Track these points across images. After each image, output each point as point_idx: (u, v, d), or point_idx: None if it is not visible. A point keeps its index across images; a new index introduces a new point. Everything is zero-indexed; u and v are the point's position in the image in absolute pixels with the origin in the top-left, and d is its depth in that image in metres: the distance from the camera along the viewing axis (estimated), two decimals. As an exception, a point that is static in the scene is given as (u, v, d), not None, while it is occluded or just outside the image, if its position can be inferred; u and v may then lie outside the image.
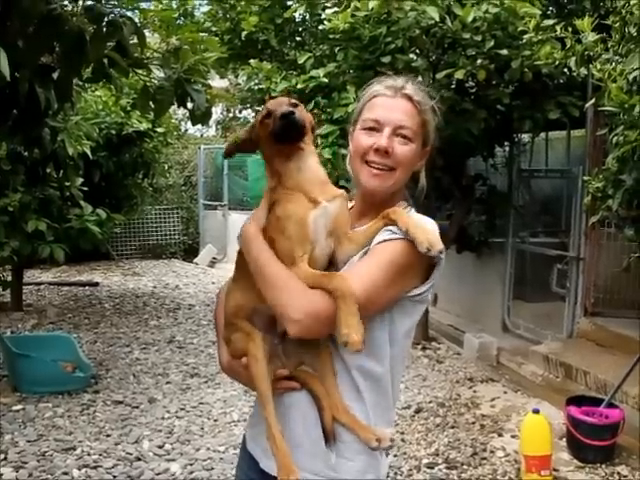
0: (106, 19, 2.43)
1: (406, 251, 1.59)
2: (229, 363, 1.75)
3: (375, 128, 1.69)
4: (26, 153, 5.21)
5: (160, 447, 4.55)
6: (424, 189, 1.84)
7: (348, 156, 1.79)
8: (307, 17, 6.77)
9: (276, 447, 1.58)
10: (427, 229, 1.58)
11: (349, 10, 5.30)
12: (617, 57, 3.89)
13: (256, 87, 6.38)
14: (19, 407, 5.13)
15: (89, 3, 2.45)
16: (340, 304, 1.48)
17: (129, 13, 2.66)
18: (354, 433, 1.61)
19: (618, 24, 3.83)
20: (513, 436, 4.75)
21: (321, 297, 1.52)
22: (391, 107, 1.71)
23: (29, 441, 4.56)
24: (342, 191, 1.69)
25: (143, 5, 2.87)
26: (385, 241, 1.60)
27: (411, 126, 1.70)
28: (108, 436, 4.69)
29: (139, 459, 4.37)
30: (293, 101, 1.70)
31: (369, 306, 1.55)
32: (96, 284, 10.28)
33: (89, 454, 4.41)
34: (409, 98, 1.72)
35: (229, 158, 1.94)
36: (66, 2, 2.54)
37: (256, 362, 1.62)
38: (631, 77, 3.55)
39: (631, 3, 3.39)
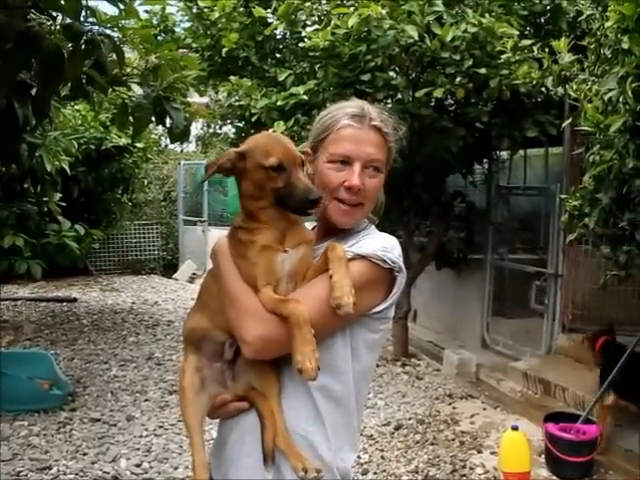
0: (84, 37, 2.43)
1: (363, 271, 1.58)
2: None
3: (344, 162, 1.66)
4: (4, 169, 5.17)
5: (138, 466, 4.51)
6: (383, 203, 1.83)
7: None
8: (287, 35, 6.80)
9: (195, 473, 1.58)
10: (348, 286, 1.49)
11: (329, 28, 5.33)
12: (593, 78, 3.95)
13: (236, 103, 6.38)
14: (-7, 426, 5.06)
15: (67, 21, 2.44)
16: (295, 331, 1.46)
17: (108, 31, 2.65)
18: (286, 458, 1.58)
19: (594, 45, 3.89)
20: (492, 453, 4.75)
21: (275, 322, 1.51)
22: (360, 140, 1.66)
23: (3, 460, 4.49)
24: (310, 236, 1.66)
25: (122, 22, 2.87)
26: None
27: (381, 158, 1.68)
28: (85, 455, 4.64)
29: (116, 478, 4.33)
30: (303, 158, 1.63)
31: (325, 328, 1.54)
32: (74, 300, 10.19)
33: (65, 474, 4.36)
34: (377, 129, 1.68)
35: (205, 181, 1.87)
36: (44, 20, 2.54)
37: (183, 394, 1.64)
38: (606, 97, 3.59)
39: (606, 26, 3.44)
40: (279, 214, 1.61)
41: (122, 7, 2.69)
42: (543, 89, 4.97)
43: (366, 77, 5.43)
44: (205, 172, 1.73)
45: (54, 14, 2.49)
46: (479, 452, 4.81)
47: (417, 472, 4.50)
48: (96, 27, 2.57)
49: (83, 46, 2.44)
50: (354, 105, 1.73)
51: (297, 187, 1.55)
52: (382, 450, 4.82)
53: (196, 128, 13.25)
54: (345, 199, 1.66)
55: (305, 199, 1.55)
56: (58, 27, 2.48)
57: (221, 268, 1.64)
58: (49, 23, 2.53)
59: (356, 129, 1.67)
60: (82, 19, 2.52)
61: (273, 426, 1.59)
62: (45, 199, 6.11)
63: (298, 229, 1.64)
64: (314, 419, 1.62)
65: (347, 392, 1.65)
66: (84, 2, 2.40)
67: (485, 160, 7.30)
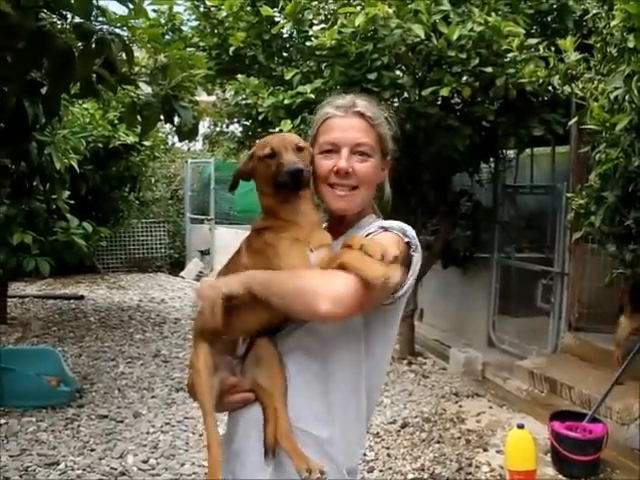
0: (95, 36, 2.45)
1: (391, 240, 1.60)
2: (189, 383, 1.76)
3: (333, 150, 1.71)
4: (13, 166, 5.20)
5: (145, 462, 4.53)
6: (390, 199, 1.85)
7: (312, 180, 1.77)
8: (294, 33, 6.80)
9: (210, 455, 1.59)
10: (370, 262, 1.47)
11: (336, 27, 5.34)
12: (599, 76, 3.95)
13: (243, 102, 6.40)
14: (2, 421, 5.10)
15: (78, 20, 2.47)
16: (357, 265, 1.46)
17: (117, 30, 2.68)
18: (290, 458, 1.57)
19: (600, 44, 3.90)
20: (498, 451, 4.76)
21: (339, 277, 1.48)
22: (345, 127, 1.72)
23: (12, 456, 4.53)
24: (329, 239, 1.68)
25: (131, 22, 2.89)
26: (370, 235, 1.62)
27: (368, 142, 1.72)
28: (92, 451, 4.67)
29: (123, 474, 4.35)
30: (301, 144, 1.69)
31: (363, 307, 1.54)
32: (81, 297, 10.23)
33: (73, 469, 4.39)
34: (361, 115, 1.73)
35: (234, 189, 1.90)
36: (55, 19, 2.56)
37: (197, 374, 1.65)
38: (612, 96, 3.60)
39: (612, 24, 3.45)
40: (300, 211, 1.66)
41: (131, 6, 2.72)
42: (550, 88, 4.97)
43: (372, 76, 5.44)
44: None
45: (65, 13, 2.52)
46: (485, 450, 4.81)
47: (423, 470, 4.51)
48: (106, 26, 2.59)
49: (93, 45, 2.46)
50: (341, 97, 1.80)
51: (282, 164, 1.62)
52: (388, 448, 4.83)
53: (203, 127, 13.28)
54: (336, 183, 1.70)
55: (285, 172, 1.61)
56: (69, 26, 2.51)
57: (261, 287, 1.55)
58: (60, 22, 2.56)
59: (340, 117, 1.74)
60: (92, 18, 2.55)
61: (275, 420, 1.60)
62: (53, 197, 6.13)
63: (320, 231, 1.68)
64: (323, 415, 1.63)
65: (358, 388, 1.66)
66: (94, 2, 2.43)
67: (492, 159, 7.30)
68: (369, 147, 1.72)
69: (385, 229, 1.64)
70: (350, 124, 1.72)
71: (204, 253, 13.27)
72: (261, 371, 1.65)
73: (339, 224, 1.77)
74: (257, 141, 1.77)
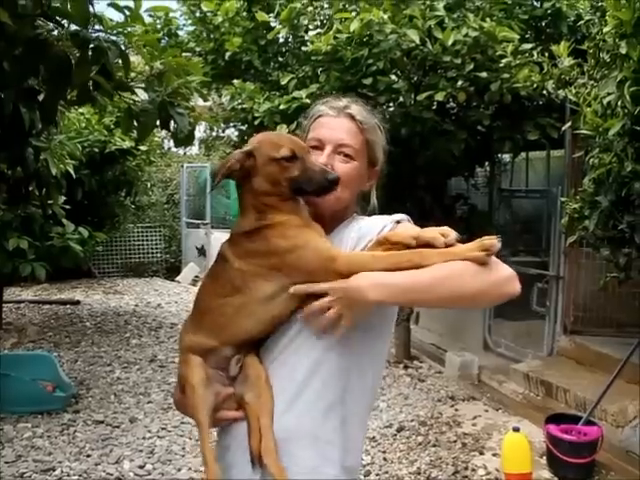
0: (91, 44, 2.47)
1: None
2: (177, 398, 1.74)
3: (317, 147, 1.71)
4: (9, 172, 5.21)
5: (141, 467, 4.53)
6: (375, 209, 1.84)
7: None
8: (290, 39, 6.84)
9: (208, 471, 1.56)
10: (456, 249, 1.56)
11: (331, 32, 5.37)
12: (592, 81, 3.98)
13: (239, 107, 6.42)
14: (-2, 427, 5.09)
15: (74, 28, 2.49)
16: (451, 257, 1.54)
17: (113, 37, 2.69)
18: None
19: (593, 50, 3.93)
20: (494, 454, 4.77)
21: (470, 265, 1.57)
22: (333, 126, 1.72)
23: (7, 462, 4.51)
24: (323, 233, 1.66)
25: (128, 29, 2.91)
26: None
27: (353, 144, 1.71)
28: (88, 456, 4.66)
29: (120, 479, 4.35)
30: (308, 148, 1.68)
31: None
32: (77, 302, 10.21)
33: (69, 475, 4.38)
34: (352, 117, 1.73)
35: (217, 186, 1.87)
36: (52, 27, 2.58)
37: (192, 390, 1.61)
38: (605, 101, 3.63)
39: (604, 31, 3.49)
40: (299, 206, 1.65)
41: (128, 13, 2.73)
42: (544, 92, 5.00)
43: (368, 81, 5.47)
44: (213, 178, 1.76)
45: (62, 21, 2.53)
46: (481, 454, 4.83)
47: (419, 474, 4.52)
48: (102, 34, 2.61)
49: (90, 53, 2.48)
50: (336, 99, 1.81)
51: (314, 171, 1.60)
52: (384, 452, 4.84)
53: (199, 131, 13.28)
54: None
55: (324, 180, 1.59)
56: (66, 34, 2.52)
57: (398, 287, 1.51)
58: (57, 31, 2.58)
59: (331, 117, 1.75)
60: (89, 26, 2.56)
61: (258, 431, 1.57)
62: (50, 202, 6.14)
63: (316, 224, 1.66)
64: (334, 414, 1.61)
65: (368, 381, 1.67)
66: (91, 9, 2.45)
67: (487, 163, 7.33)
68: (353, 150, 1.71)
69: (398, 222, 1.67)
70: (339, 124, 1.73)
71: (201, 252, 13.24)
72: (248, 389, 1.63)
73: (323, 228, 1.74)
74: (252, 139, 1.69)
